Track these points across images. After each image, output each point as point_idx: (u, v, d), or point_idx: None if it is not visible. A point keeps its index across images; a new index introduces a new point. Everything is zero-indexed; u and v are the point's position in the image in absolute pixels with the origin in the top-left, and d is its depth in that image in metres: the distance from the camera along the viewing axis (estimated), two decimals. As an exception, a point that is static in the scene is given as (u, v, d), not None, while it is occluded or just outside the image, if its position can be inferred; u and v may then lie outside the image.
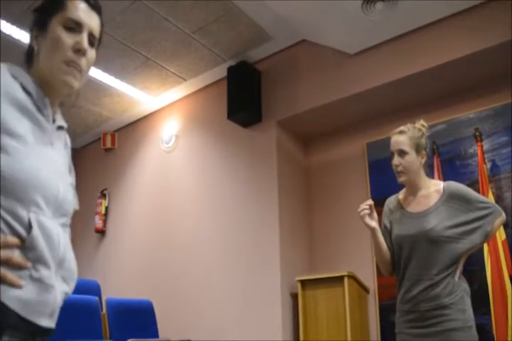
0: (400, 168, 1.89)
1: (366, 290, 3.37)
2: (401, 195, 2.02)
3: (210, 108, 4.33)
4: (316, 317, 3.16)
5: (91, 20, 1.04)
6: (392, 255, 1.93)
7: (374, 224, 1.92)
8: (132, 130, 5.11)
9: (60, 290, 0.93)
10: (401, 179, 1.91)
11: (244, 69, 3.93)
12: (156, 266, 4.27)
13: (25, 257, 0.86)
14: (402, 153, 1.89)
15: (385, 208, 2.04)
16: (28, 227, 0.87)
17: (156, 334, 3.45)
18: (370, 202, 1.96)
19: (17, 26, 3.56)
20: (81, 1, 1.04)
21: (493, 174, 3.03)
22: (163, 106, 4.80)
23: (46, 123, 0.98)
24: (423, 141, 1.92)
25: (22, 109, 0.92)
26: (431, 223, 1.80)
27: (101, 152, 5.29)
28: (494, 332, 2.62)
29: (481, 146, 3.01)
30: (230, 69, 4.01)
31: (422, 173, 1.93)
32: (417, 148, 1.89)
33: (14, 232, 0.85)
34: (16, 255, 0.84)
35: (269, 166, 3.74)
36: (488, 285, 2.68)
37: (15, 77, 0.95)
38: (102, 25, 1.10)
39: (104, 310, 3.22)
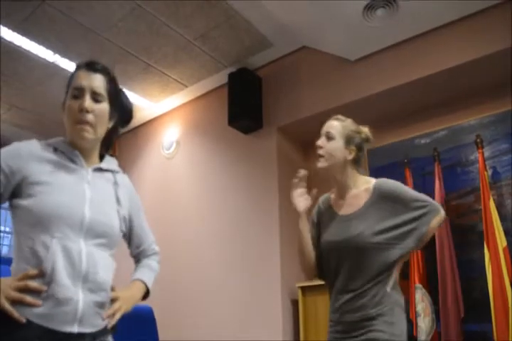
0: (322, 151, 1.73)
1: (367, 297, 3.35)
2: (332, 192, 1.85)
3: (211, 114, 4.33)
4: (317, 323, 3.14)
5: (91, 81, 1.26)
6: (318, 258, 1.75)
7: (302, 208, 1.73)
8: (133, 136, 5.12)
9: (88, 300, 1.12)
10: (319, 164, 1.73)
11: (245, 76, 3.94)
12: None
13: (42, 281, 1.09)
14: (329, 137, 1.74)
15: (318, 205, 1.85)
16: (48, 250, 1.10)
17: (155, 341, 3.43)
18: (303, 172, 1.77)
19: (18, 33, 3.58)
20: (82, 69, 1.28)
21: (494, 181, 3.02)
22: (164, 112, 4.81)
23: (78, 168, 1.26)
24: (357, 138, 1.76)
25: (49, 162, 1.21)
26: (358, 228, 1.62)
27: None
28: (495, 339, 2.60)
29: (482, 153, 3.00)
30: (230, 76, 4.02)
31: (351, 171, 1.74)
32: (347, 140, 1.73)
33: (37, 256, 1.10)
34: (31, 282, 1.07)
35: (270, 173, 3.74)
36: (489, 292, 2.67)
37: (49, 144, 1.26)
38: (113, 80, 1.33)
39: (104, 317, 3.21)
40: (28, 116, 4.71)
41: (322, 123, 4.26)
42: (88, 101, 1.23)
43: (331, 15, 3.09)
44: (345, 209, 1.72)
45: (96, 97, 1.26)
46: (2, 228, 5.47)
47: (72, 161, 1.26)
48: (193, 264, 4.01)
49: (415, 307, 2.95)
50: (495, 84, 3.12)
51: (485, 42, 2.92)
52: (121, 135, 5.22)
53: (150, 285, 1.41)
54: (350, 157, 1.73)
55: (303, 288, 3.30)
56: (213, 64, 4.03)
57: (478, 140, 3.06)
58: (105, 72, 1.31)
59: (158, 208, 4.50)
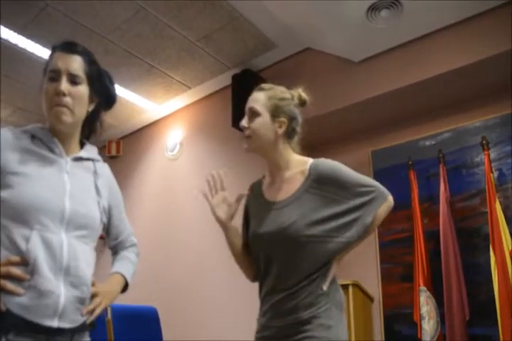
0: (248, 132, 1.45)
1: (371, 299, 3.33)
2: (264, 176, 1.59)
3: (215, 116, 4.33)
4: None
5: (68, 63, 1.21)
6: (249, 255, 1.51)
7: (222, 216, 1.46)
8: (137, 138, 5.12)
9: (70, 294, 1.10)
10: (245, 146, 1.47)
11: (249, 77, 3.94)
12: (161, 273, 4.25)
13: (25, 270, 1.06)
14: (253, 113, 1.46)
15: (249, 191, 1.59)
16: (28, 242, 1.07)
17: (160, 342, 3.43)
18: (217, 172, 1.51)
19: (23, 36, 3.59)
20: (58, 51, 1.24)
21: (501, 183, 3.00)
22: (167, 114, 4.81)
23: (56, 157, 1.22)
24: (287, 106, 1.48)
25: (26, 152, 1.17)
26: (290, 218, 1.36)
27: (106, 160, 5.30)
28: (501, 343, 2.58)
29: (488, 155, 2.98)
30: (234, 77, 4.01)
31: (283, 148, 1.48)
32: (274, 112, 1.45)
33: (17, 248, 1.07)
34: (14, 269, 1.05)
35: (274, 174, 3.73)
36: (495, 296, 2.64)
37: (26, 132, 1.22)
38: (92, 61, 1.27)
39: (109, 316, 3.21)
40: (33, 118, 4.73)
41: (325, 124, 4.25)
42: (65, 84, 1.19)
43: (334, 16, 3.08)
44: (277, 196, 1.45)
45: (73, 79, 1.21)
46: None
47: (51, 150, 1.22)
48: (197, 265, 4.00)
49: (420, 310, 2.93)
50: (500, 86, 3.10)
51: (490, 43, 2.90)
52: (125, 136, 5.24)
53: (129, 278, 1.37)
54: (281, 131, 1.46)
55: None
56: (217, 65, 4.03)
57: (484, 142, 3.04)
58: (84, 53, 1.26)
59: (162, 209, 4.50)
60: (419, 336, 2.90)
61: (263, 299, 1.44)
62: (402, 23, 3.09)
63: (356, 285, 3.11)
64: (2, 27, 3.48)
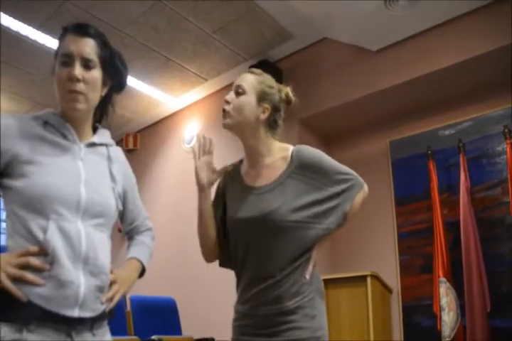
0: (228, 107, 1.46)
1: (389, 290, 3.32)
2: (242, 161, 1.57)
3: (231, 107, 4.33)
4: (339, 316, 3.13)
5: (81, 47, 1.16)
6: (221, 241, 1.49)
7: (204, 180, 1.43)
8: (154, 131, 5.16)
9: (89, 283, 1.09)
10: (224, 121, 1.47)
11: (266, 68, 3.86)
12: (179, 265, 4.29)
13: (44, 260, 1.04)
14: (239, 91, 1.46)
15: (222, 176, 1.55)
16: (45, 232, 1.06)
17: (179, 332, 3.48)
18: (206, 137, 1.51)
19: (42, 32, 3.65)
20: (70, 33, 1.18)
21: (523, 172, 2.94)
22: (184, 106, 4.83)
23: (70, 144, 1.19)
24: (274, 96, 1.48)
25: (40, 140, 1.14)
26: (273, 204, 1.35)
27: (123, 153, 5.36)
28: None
29: (511, 144, 2.92)
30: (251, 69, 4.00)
31: (264, 134, 1.47)
32: (261, 96, 1.45)
33: (34, 238, 1.05)
34: (34, 260, 1.03)
35: (291, 165, 3.72)
36: (518, 286, 2.61)
37: (39, 118, 1.19)
38: (105, 43, 1.22)
39: (129, 308, 3.27)
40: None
41: (344, 114, 4.20)
42: (78, 69, 1.14)
43: (352, 4, 3.04)
44: (258, 181, 1.44)
45: (87, 64, 1.16)
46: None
47: (64, 137, 1.19)
48: (215, 257, 4.03)
49: (439, 302, 2.90)
50: (523, 73, 3.03)
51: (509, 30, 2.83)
52: (142, 130, 5.28)
53: (146, 263, 1.35)
54: (264, 116, 1.45)
55: (326, 281, 3.26)
56: (233, 57, 4.02)
57: (506, 130, 2.98)
58: (96, 35, 1.21)
59: (180, 202, 4.54)
60: (438, 328, 2.88)
61: (244, 287, 1.41)
62: (421, 11, 3.03)
63: (375, 277, 3.10)
64: (22, 23, 3.54)
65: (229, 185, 1.52)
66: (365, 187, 1.47)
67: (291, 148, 1.47)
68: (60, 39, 1.20)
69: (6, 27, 3.54)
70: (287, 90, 1.54)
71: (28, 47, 3.79)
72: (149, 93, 4.54)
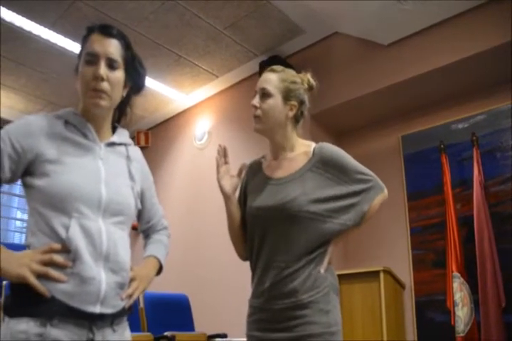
0: (258, 112, 1.47)
1: (402, 285, 3.31)
2: (264, 156, 1.63)
3: (243, 104, 4.33)
4: (351, 312, 3.13)
5: (107, 47, 1.19)
6: (245, 232, 1.52)
7: (228, 188, 1.49)
8: (165, 128, 5.19)
9: (110, 280, 1.11)
10: (257, 126, 1.49)
11: (277, 64, 3.87)
12: (192, 261, 4.33)
13: (66, 257, 1.07)
14: (265, 94, 1.47)
15: (248, 169, 1.62)
16: (68, 230, 1.09)
17: (192, 328, 3.51)
18: (223, 146, 1.55)
19: (53, 31, 3.68)
20: (96, 34, 1.21)
21: (537, 166, 2.91)
22: (195, 103, 4.84)
23: (91, 144, 1.21)
24: (298, 90, 1.50)
25: (61, 139, 1.17)
26: (292, 193, 1.38)
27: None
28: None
29: (524, 137, 2.89)
30: (261, 64, 4.00)
31: (290, 131, 1.51)
32: (286, 94, 1.47)
33: (57, 235, 1.08)
34: (57, 257, 1.06)
35: (303, 161, 3.72)
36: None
37: (60, 117, 1.21)
38: (128, 45, 1.25)
39: (142, 304, 3.30)
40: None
41: (355, 109, 4.18)
42: (103, 68, 1.17)
43: (362, -1, 3.02)
44: (278, 173, 1.49)
45: (111, 64, 1.19)
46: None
47: (85, 136, 1.21)
48: (226, 255, 4.04)
49: (453, 297, 2.89)
50: (537, 66, 2.99)
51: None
52: (154, 127, 5.31)
53: (163, 261, 1.39)
54: (291, 114, 1.50)
55: (338, 276, 3.27)
56: (244, 53, 4.03)
57: (519, 123, 2.95)
58: (120, 37, 1.23)
59: (191, 198, 4.56)
60: (452, 323, 2.87)
61: (259, 278, 1.42)
62: (433, 4, 3.00)
63: (387, 272, 3.10)
64: (33, 23, 3.58)
65: (250, 179, 1.57)
66: (386, 191, 1.48)
67: (313, 144, 1.51)
68: (85, 39, 1.23)
69: (18, 27, 3.58)
70: (307, 77, 1.56)
71: (40, 47, 3.83)
72: (160, 90, 4.57)
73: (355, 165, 1.45)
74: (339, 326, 1.36)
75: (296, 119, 1.53)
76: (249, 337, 1.44)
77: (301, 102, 1.52)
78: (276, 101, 1.46)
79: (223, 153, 1.55)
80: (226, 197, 1.50)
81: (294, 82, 1.50)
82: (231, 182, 1.51)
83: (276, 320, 1.35)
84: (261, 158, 1.62)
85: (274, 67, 1.55)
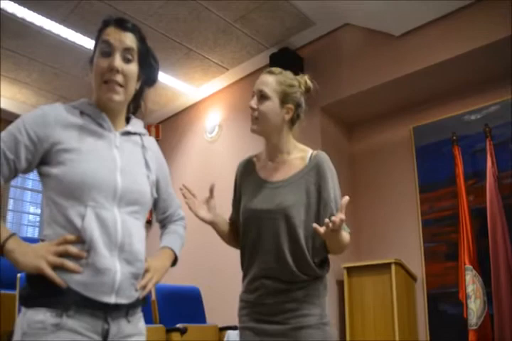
0: (256, 113, 1.49)
1: (414, 278, 3.30)
2: (257, 156, 1.63)
3: (253, 96, 4.32)
4: (363, 304, 3.14)
5: (122, 40, 1.20)
6: (236, 227, 1.60)
7: (210, 216, 1.53)
8: (176, 121, 5.20)
9: (125, 271, 1.11)
10: (254, 127, 1.51)
11: (287, 56, 3.90)
12: (203, 254, 4.35)
13: (81, 248, 1.07)
14: (262, 96, 1.49)
15: (238, 170, 1.66)
16: (83, 219, 1.09)
17: (203, 320, 3.54)
18: (184, 185, 1.58)
19: (64, 26, 3.70)
20: (111, 27, 1.22)
21: (552, 158, 2.87)
22: (205, 96, 4.84)
23: (106, 133, 1.21)
24: (295, 93, 1.52)
25: (77, 128, 1.17)
26: (288, 199, 1.43)
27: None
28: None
29: (539, 128, 2.85)
30: (272, 57, 3.98)
31: (287, 135, 1.54)
32: (284, 97, 1.49)
33: (73, 225, 1.08)
34: (72, 248, 1.07)
35: (313, 154, 3.71)
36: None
37: (75, 108, 1.21)
38: (143, 39, 1.26)
39: (154, 297, 3.33)
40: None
41: (366, 101, 4.14)
42: (118, 61, 1.18)
43: (373, -11, 2.99)
44: (273, 176, 1.52)
45: (126, 57, 1.20)
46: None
47: (100, 125, 1.21)
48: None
49: (465, 289, 2.88)
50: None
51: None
52: (164, 120, 5.32)
53: (178, 252, 1.38)
54: (288, 117, 1.52)
55: (349, 269, 3.29)
56: (254, 45, 4.01)
57: (533, 114, 2.90)
58: (135, 30, 1.25)
59: (202, 192, 4.56)
60: (464, 316, 2.86)
61: (253, 276, 1.49)
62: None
63: (399, 264, 3.09)
64: (45, 18, 3.60)
65: (244, 179, 1.61)
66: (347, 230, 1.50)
67: (309, 150, 1.55)
68: (100, 31, 1.23)
69: (29, 22, 3.60)
70: (305, 79, 1.58)
71: (51, 42, 3.85)
72: (171, 84, 4.57)
73: (336, 193, 1.47)
74: (328, 318, 1.46)
75: (292, 122, 1.56)
76: (243, 329, 1.49)
77: (298, 105, 1.54)
78: (273, 104, 1.49)
79: (190, 193, 1.60)
80: (210, 223, 1.55)
81: (291, 85, 1.52)
82: (208, 207, 1.55)
83: (272, 313, 1.42)
84: (253, 158, 1.64)
85: (273, 68, 1.57)
